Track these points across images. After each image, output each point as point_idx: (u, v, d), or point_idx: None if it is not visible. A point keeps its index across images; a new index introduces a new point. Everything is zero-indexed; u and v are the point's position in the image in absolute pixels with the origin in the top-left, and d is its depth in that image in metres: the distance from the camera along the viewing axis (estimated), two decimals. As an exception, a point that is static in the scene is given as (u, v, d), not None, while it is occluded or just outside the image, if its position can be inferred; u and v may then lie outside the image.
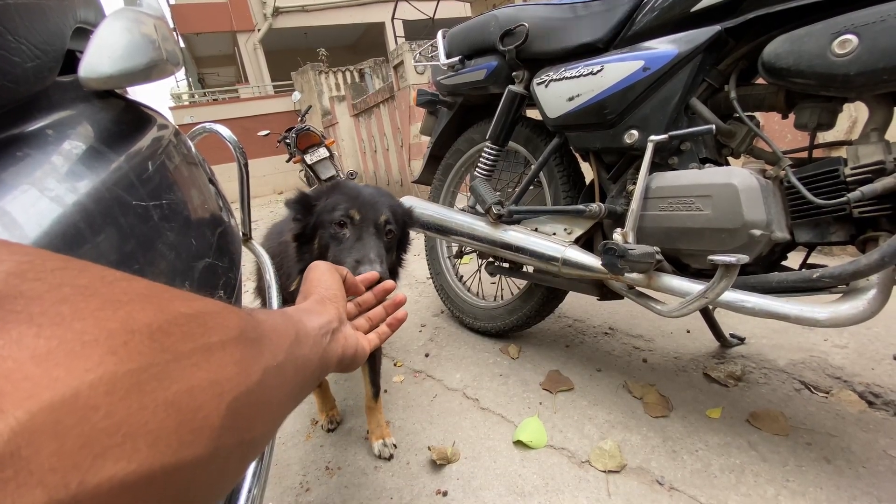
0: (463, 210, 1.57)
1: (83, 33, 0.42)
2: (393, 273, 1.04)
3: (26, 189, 0.26)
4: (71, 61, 0.37)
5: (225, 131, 0.70)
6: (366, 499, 1.07)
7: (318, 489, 1.13)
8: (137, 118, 0.44)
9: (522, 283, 1.59)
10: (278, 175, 11.30)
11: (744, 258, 0.78)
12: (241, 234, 0.75)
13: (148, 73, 0.36)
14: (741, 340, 1.46)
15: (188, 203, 0.43)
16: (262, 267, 0.75)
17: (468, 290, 1.88)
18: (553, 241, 1.24)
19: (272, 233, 1.24)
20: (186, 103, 12.43)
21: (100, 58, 0.32)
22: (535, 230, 1.35)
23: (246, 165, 0.72)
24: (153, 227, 0.34)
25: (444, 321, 1.97)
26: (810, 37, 0.81)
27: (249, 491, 0.42)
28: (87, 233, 0.28)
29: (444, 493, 1.04)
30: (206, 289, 0.41)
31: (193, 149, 0.55)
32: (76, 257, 0.26)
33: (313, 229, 0.94)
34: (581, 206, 1.18)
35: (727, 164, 1.10)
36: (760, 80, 0.99)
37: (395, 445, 1.22)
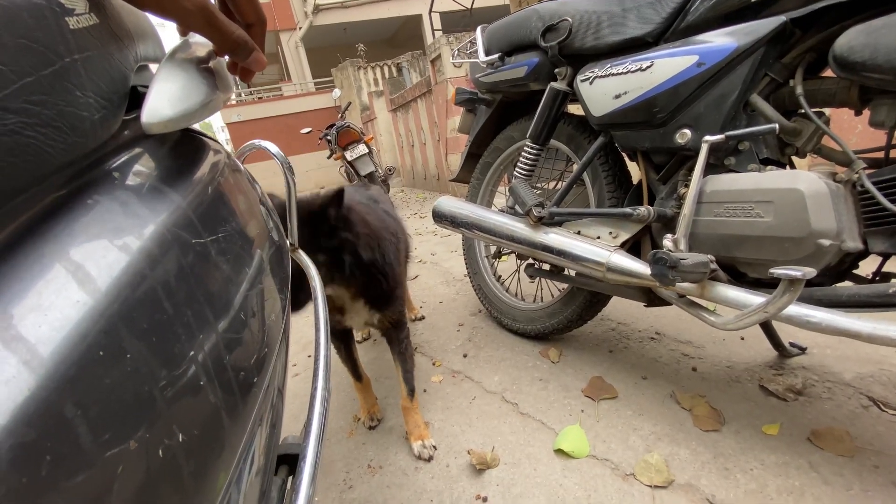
0: (502, 211, 1.55)
1: (143, 68, 0.43)
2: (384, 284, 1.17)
3: (97, 238, 0.28)
4: (134, 97, 0.38)
5: (273, 148, 0.72)
6: (406, 500, 1.09)
7: (361, 487, 1.16)
8: (193, 148, 0.46)
9: (563, 284, 1.56)
10: (320, 171, 11.61)
11: (810, 272, 0.72)
12: (288, 244, 0.77)
13: (205, 109, 0.37)
14: (802, 350, 1.36)
15: (242, 230, 0.44)
16: (308, 276, 0.77)
17: (506, 290, 1.86)
18: (597, 246, 1.20)
19: None
20: (234, 102, 12.94)
21: (160, 101, 0.34)
22: (578, 233, 1.32)
23: (293, 179, 0.74)
24: (211, 261, 0.35)
25: (482, 321, 1.96)
26: (889, 28, 0.73)
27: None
28: (150, 275, 0.29)
29: (485, 499, 1.04)
30: (261, 313, 0.42)
31: (244, 169, 0.57)
32: (139, 301, 0.27)
33: None
34: (628, 209, 1.13)
35: (791, 164, 1.03)
36: (829, 73, 0.91)
37: (434, 447, 1.23)
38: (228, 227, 0.40)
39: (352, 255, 1.10)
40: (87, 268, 0.25)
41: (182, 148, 0.43)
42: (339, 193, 1.06)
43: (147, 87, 0.37)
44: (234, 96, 13.44)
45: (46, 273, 0.24)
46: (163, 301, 0.29)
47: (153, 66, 0.45)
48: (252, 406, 0.35)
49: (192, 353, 0.29)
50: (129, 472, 0.23)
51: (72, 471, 0.20)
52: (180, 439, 0.27)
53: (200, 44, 0.45)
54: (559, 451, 1.14)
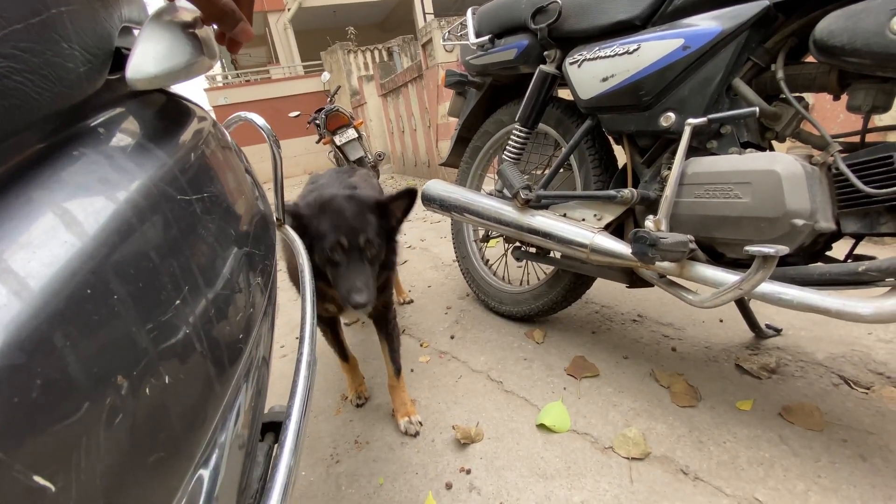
0: (490, 194, 1.56)
1: (127, 31, 0.43)
2: (389, 264, 1.19)
3: (83, 187, 0.28)
4: (117, 59, 0.38)
5: (259, 120, 0.72)
6: (392, 473, 1.12)
7: (348, 461, 1.18)
8: (178, 112, 0.46)
9: (549, 267, 1.58)
10: (309, 156, 11.49)
11: (783, 249, 0.75)
12: (274, 219, 0.77)
13: (189, 70, 0.38)
14: (777, 332, 1.41)
15: (227, 194, 0.45)
16: (295, 251, 0.78)
17: (494, 273, 1.88)
18: (582, 227, 1.22)
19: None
20: (220, 84, 12.67)
21: (145, 58, 0.34)
22: (564, 215, 1.34)
23: (279, 153, 0.74)
24: (196, 219, 0.36)
25: (470, 304, 1.98)
26: (867, 13, 0.75)
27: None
28: (136, 225, 0.30)
29: (468, 471, 1.07)
30: (245, 276, 0.43)
31: (230, 139, 0.57)
32: (126, 247, 0.28)
33: (310, 249, 1.05)
34: (612, 192, 1.15)
35: (771, 148, 1.05)
36: (810, 59, 0.93)
37: (420, 423, 1.26)
38: (214, 188, 0.40)
39: (387, 258, 1.16)
40: (75, 213, 0.26)
41: (167, 110, 0.43)
42: (412, 194, 1.10)
43: (130, 49, 0.38)
44: (220, 78, 13.16)
45: (35, 215, 0.24)
46: (149, 251, 0.30)
47: (136, 31, 0.45)
48: (237, 357, 0.36)
49: (177, 301, 0.30)
50: (116, 402, 0.24)
51: (60, 396, 0.21)
52: (166, 381, 0.28)
53: (186, 8, 0.45)
54: (541, 426, 1.17)
